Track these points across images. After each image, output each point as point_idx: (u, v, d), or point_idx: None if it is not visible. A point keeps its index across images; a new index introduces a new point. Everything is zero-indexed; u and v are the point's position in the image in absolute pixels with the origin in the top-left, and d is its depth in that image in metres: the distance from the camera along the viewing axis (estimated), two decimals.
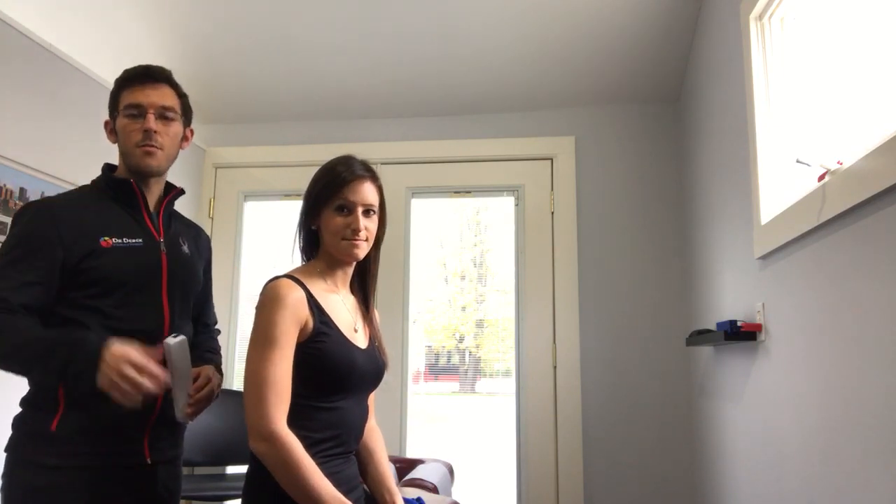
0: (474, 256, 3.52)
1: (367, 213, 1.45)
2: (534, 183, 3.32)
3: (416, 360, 3.36)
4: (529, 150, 3.34)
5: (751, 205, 2.16)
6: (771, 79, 2.09)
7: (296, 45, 3.07)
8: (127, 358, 1.28)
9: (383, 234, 1.53)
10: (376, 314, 1.59)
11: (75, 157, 2.55)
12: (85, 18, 2.78)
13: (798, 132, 1.99)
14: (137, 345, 1.33)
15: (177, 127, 1.55)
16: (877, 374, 1.42)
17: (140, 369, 1.28)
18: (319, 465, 1.30)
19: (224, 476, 3.05)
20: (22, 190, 2.33)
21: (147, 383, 1.28)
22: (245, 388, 1.31)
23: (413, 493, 1.89)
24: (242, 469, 2.14)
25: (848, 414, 1.55)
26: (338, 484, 1.32)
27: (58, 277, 1.39)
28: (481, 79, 3.21)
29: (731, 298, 2.43)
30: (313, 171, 1.50)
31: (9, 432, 1.42)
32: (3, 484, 1.40)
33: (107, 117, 1.55)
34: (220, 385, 1.56)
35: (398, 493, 1.52)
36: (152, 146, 1.49)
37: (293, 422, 1.30)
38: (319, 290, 1.42)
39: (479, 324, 3.43)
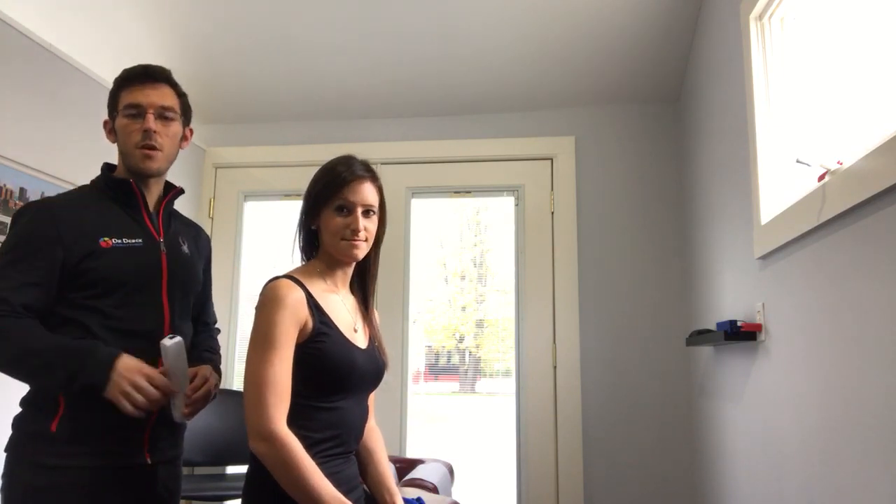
0: (474, 256, 3.52)
1: (366, 213, 1.45)
2: (534, 183, 3.31)
3: (416, 360, 3.36)
4: (529, 150, 3.34)
5: (751, 205, 2.16)
6: (771, 79, 2.09)
7: (296, 45, 3.07)
8: (140, 369, 1.35)
9: (383, 234, 1.53)
10: (376, 314, 1.59)
11: (75, 157, 2.55)
12: (85, 18, 2.78)
13: (798, 132, 1.99)
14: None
15: (176, 127, 1.55)
16: (877, 374, 1.42)
17: (151, 380, 1.35)
18: (319, 465, 1.30)
19: (224, 476, 3.05)
20: (22, 190, 2.33)
21: (157, 394, 1.35)
22: (245, 389, 1.31)
23: (413, 493, 1.89)
24: (242, 469, 2.14)
25: (848, 414, 1.55)
26: (338, 484, 1.32)
27: (57, 278, 1.39)
28: (481, 79, 3.21)
29: (731, 298, 2.43)
30: (313, 171, 1.50)
31: (9, 432, 1.42)
32: (3, 484, 1.40)
33: (106, 117, 1.55)
34: (217, 385, 1.56)
35: (398, 493, 1.52)
36: (152, 147, 1.49)
37: (293, 422, 1.30)
38: (319, 290, 1.42)
39: (479, 324, 3.43)
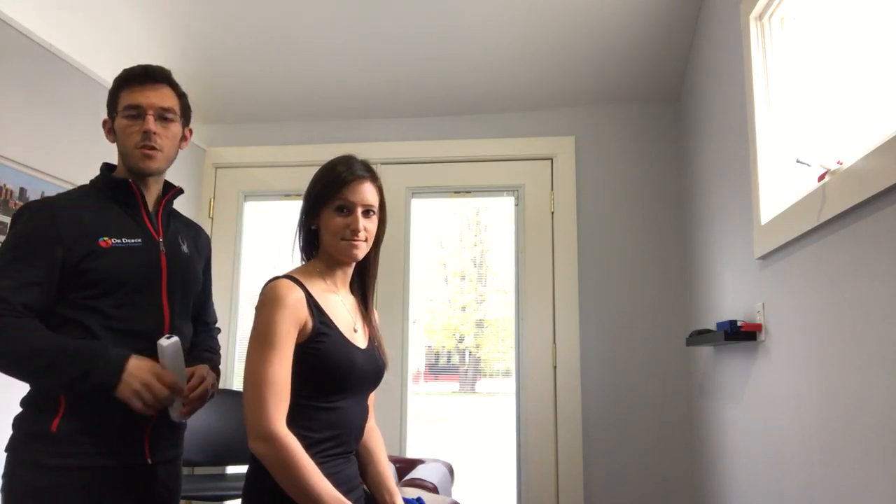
0: (474, 256, 3.52)
1: (366, 213, 1.45)
2: (534, 183, 3.32)
3: (416, 360, 3.36)
4: (529, 150, 3.34)
5: (751, 205, 2.16)
6: (771, 79, 2.09)
7: (296, 45, 3.07)
8: (151, 369, 1.37)
9: (383, 234, 1.53)
10: (375, 314, 1.59)
11: (75, 157, 2.55)
12: (85, 18, 2.78)
13: (798, 132, 1.99)
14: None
15: (176, 128, 1.55)
16: (877, 374, 1.42)
17: (160, 378, 1.37)
18: (319, 465, 1.30)
19: (224, 476, 3.05)
20: (22, 190, 2.33)
21: (167, 391, 1.38)
22: (244, 389, 1.31)
23: (413, 493, 1.89)
24: (242, 469, 2.14)
25: (848, 414, 1.55)
26: (338, 484, 1.32)
27: (57, 278, 1.39)
28: (481, 79, 3.21)
29: (731, 298, 2.43)
30: (313, 171, 1.50)
31: (9, 432, 1.42)
32: (3, 484, 1.40)
33: (105, 117, 1.55)
34: (215, 384, 1.56)
35: (398, 494, 1.52)
36: (152, 148, 1.49)
37: (293, 422, 1.31)
38: (319, 290, 1.42)
39: (479, 324, 3.43)
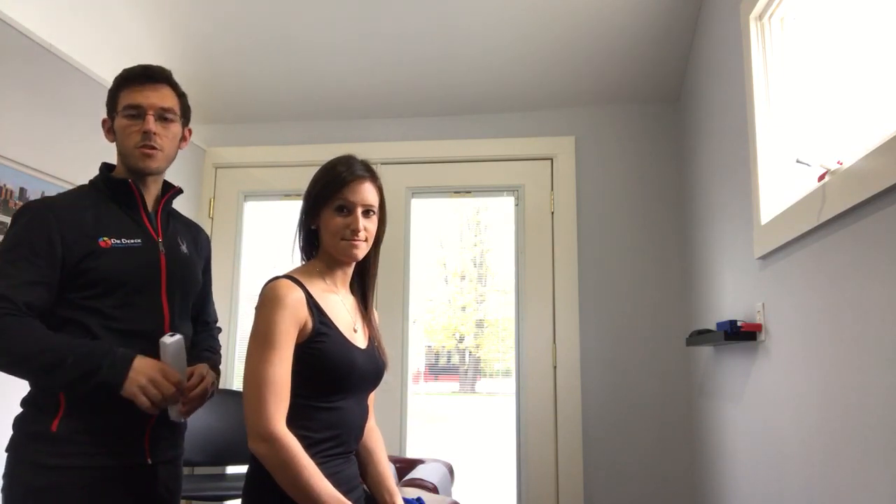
0: (474, 256, 3.52)
1: (366, 213, 1.45)
2: (534, 183, 3.32)
3: (416, 360, 3.36)
4: (529, 150, 3.34)
5: (751, 205, 2.16)
6: (771, 79, 2.09)
7: (296, 45, 3.07)
8: (157, 367, 1.38)
9: (383, 234, 1.53)
10: (375, 314, 1.58)
11: (75, 157, 2.55)
12: (85, 18, 2.78)
13: (798, 132, 1.99)
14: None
15: (176, 128, 1.55)
16: (877, 374, 1.42)
17: (165, 375, 1.38)
18: (319, 465, 1.30)
19: (224, 476, 3.05)
20: (22, 190, 2.33)
21: (172, 388, 1.38)
22: (244, 389, 1.31)
23: (413, 493, 1.89)
24: (242, 469, 2.14)
25: (848, 414, 1.55)
26: (338, 484, 1.32)
27: (58, 277, 1.39)
28: (481, 79, 3.21)
29: (731, 298, 2.43)
30: (313, 171, 1.50)
31: (9, 432, 1.42)
32: (3, 484, 1.40)
33: (105, 116, 1.55)
34: (215, 383, 1.56)
35: (398, 493, 1.52)
36: (152, 147, 1.49)
37: (293, 422, 1.30)
38: (319, 290, 1.42)
39: (479, 324, 3.43)
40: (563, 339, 3.15)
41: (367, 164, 1.49)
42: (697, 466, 2.95)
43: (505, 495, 3.17)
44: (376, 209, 1.48)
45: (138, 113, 1.48)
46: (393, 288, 3.27)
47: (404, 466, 2.75)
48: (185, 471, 2.77)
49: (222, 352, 1.76)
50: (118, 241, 1.45)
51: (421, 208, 3.44)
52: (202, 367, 1.52)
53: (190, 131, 1.63)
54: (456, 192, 3.41)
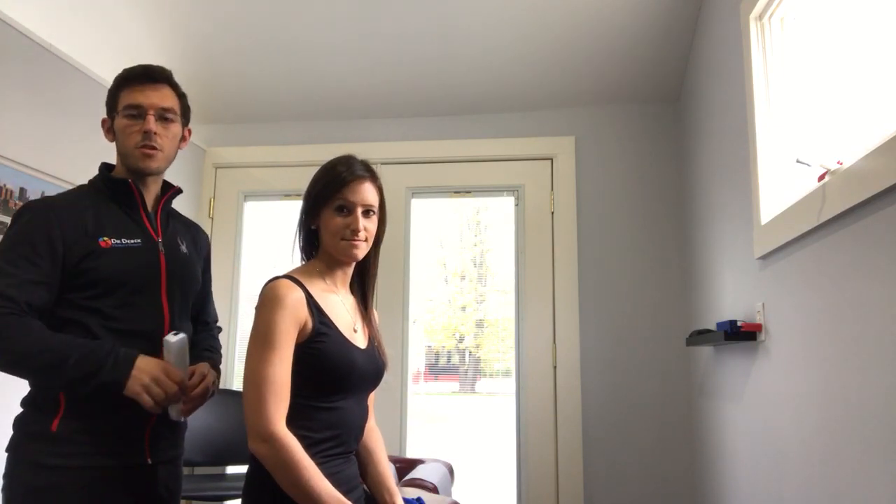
0: (474, 256, 3.52)
1: (366, 213, 1.45)
2: (534, 183, 3.32)
3: (416, 360, 3.37)
4: (529, 150, 3.34)
5: (751, 205, 2.16)
6: (771, 79, 2.09)
7: (296, 45, 3.07)
8: (161, 366, 1.38)
9: (383, 234, 1.53)
10: (375, 314, 1.58)
11: (75, 157, 2.55)
12: (85, 18, 2.78)
13: (798, 132, 1.99)
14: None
15: (176, 128, 1.55)
16: (877, 374, 1.42)
17: (168, 373, 1.38)
18: (319, 465, 1.30)
19: (224, 476, 3.05)
20: (22, 190, 2.33)
21: (175, 387, 1.38)
22: (244, 389, 1.31)
23: (413, 493, 1.89)
24: (242, 469, 2.14)
25: (848, 414, 1.55)
26: (338, 484, 1.32)
27: (59, 277, 1.39)
28: (481, 79, 3.21)
29: (731, 298, 2.43)
30: (313, 171, 1.50)
31: (9, 432, 1.42)
32: (3, 484, 1.40)
33: (105, 116, 1.55)
34: (215, 382, 1.56)
35: (398, 493, 1.52)
36: (152, 147, 1.49)
37: (293, 422, 1.30)
38: (318, 290, 1.42)
39: (479, 324, 3.43)
40: (563, 339, 3.15)
41: (367, 164, 1.49)
42: (697, 466, 2.95)
43: (505, 495, 3.17)
44: (376, 209, 1.48)
45: (138, 113, 1.48)
46: (393, 288, 3.27)
47: (404, 466, 2.75)
48: (185, 471, 2.77)
49: (222, 352, 1.76)
50: (118, 241, 1.45)
51: (421, 208, 3.44)
52: (203, 367, 1.52)
53: (190, 131, 1.63)
54: (456, 192, 3.41)
